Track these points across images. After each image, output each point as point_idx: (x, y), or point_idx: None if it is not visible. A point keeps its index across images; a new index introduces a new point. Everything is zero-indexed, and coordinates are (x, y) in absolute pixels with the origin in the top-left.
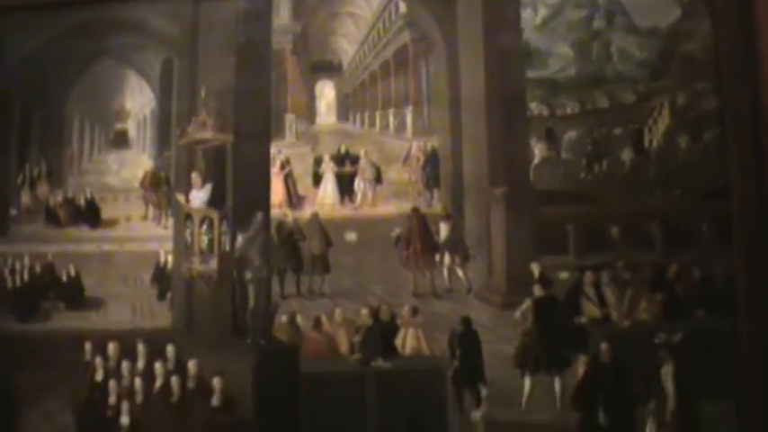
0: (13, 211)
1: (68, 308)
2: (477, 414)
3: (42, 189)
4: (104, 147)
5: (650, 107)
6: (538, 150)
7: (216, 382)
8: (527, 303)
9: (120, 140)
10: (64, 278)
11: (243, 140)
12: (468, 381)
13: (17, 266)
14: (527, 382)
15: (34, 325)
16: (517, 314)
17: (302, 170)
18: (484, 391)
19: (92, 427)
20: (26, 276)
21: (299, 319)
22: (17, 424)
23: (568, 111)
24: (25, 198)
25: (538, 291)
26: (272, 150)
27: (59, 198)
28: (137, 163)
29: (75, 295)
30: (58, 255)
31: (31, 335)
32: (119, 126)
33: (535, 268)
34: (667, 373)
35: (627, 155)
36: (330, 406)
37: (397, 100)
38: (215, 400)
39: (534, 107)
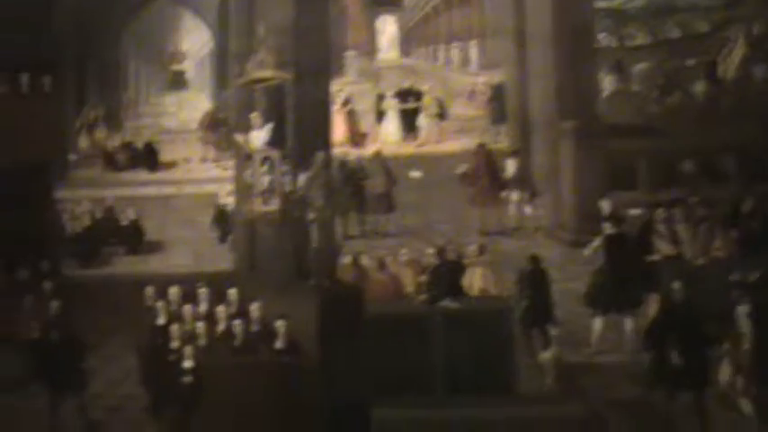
0: (72, 157)
1: (129, 252)
2: (546, 355)
3: (100, 133)
4: (161, 89)
5: (724, 37)
6: (607, 83)
7: (279, 324)
8: (598, 241)
9: (178, 82)
10: (124, 222)
11: (303, 78)
12: (537, 321)
13: (77, 212)
14: (598, 321)
15: (96, 270)
16: (587, 252)
17: (364, 107)
18: (553, 332)
19: (155, 371)
20: (86, 221)
21: (363, 259)
22: (82, 367)
23: (638, 41)
24: (83, 143)
25: (609, 228)
26: (333, 88)
27: (117, 142)
28: (195, 104)
29: (135, 240)
30: (117, 199)
31: (92, 280)
32: (175, 67)
33: (605, 205)
34: (743, 312)
35: (700, 86)
36: (395, 347)
37: (461, 33)
38: (279, 343)
39: (602, 38)
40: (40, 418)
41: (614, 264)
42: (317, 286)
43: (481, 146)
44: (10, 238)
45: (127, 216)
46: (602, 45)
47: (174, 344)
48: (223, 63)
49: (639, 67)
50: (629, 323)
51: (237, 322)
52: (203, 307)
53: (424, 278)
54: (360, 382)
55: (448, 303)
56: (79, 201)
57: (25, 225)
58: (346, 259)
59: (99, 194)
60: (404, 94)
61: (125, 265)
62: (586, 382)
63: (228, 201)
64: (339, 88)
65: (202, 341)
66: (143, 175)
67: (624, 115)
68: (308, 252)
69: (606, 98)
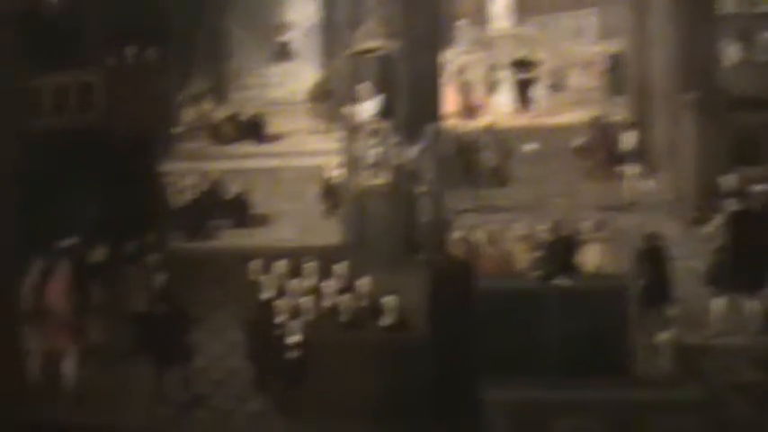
0: (178, 129)
1: (235, 226)
2: (663, 336)
3: (205, 105)
4: (266, 60)
5: None
6: (731, 52)
7: (388, 300)
8: (720, 218)
9: (283, 53)
10: (229, 196)
11: (412, 49)
12: (654, 300)
13: (182, 185)
14: (718, 302)
15: (201, 243)
16: (709, 229)
17: (476, 78)
18: (671, 312)
19: (260, 345)
20: (193, 194)
21: (474, 234)
22: (187, 340)
23: (765, 8)
24: (189, 115)
25: (732, 204)
26: (444, 58)
27: (223, 114)
28: (301, 75)
29: (241, 213)
30: (222, 172)
31: (198, 253)
32: (281, 38)
33: (729, 180)
34: None
35: None
36: (507, 325)
37: (578, 1)
38: (387, 319)
39: (726, 5)
40: (146, 389)
41: (737, 242)
42: (427, 261)
43: (598, 118)
44: (117, 211)
45: (232, 189)
46: (726, 12)
47: (280, 318)
48: (330, 34)
49: (766, 35)
50: (751, 304)
51: (345, 297)
52: (310, 281)
53: (537, 254)
54: (470, 360)
55: (562, 280)
56: (184, 174)
57: (131, 198)
58: (457, 234)
59: (204, 167)
60: (517, 65)
61: (231, 238)
62: (705, 364)
63: (337, 174)
64: (450, 59)
65: (309, 316)
66: (249, 147)
67: (750, 86)
68: (418, 226)
69: (731, 68)
